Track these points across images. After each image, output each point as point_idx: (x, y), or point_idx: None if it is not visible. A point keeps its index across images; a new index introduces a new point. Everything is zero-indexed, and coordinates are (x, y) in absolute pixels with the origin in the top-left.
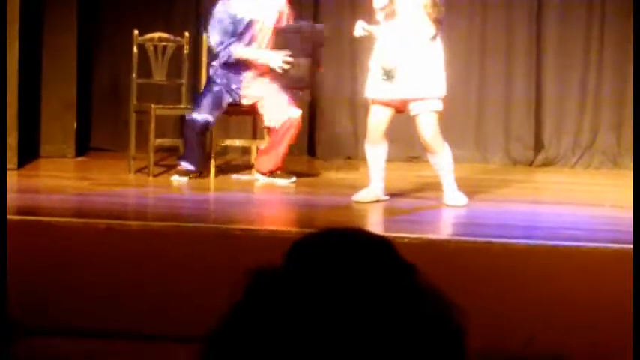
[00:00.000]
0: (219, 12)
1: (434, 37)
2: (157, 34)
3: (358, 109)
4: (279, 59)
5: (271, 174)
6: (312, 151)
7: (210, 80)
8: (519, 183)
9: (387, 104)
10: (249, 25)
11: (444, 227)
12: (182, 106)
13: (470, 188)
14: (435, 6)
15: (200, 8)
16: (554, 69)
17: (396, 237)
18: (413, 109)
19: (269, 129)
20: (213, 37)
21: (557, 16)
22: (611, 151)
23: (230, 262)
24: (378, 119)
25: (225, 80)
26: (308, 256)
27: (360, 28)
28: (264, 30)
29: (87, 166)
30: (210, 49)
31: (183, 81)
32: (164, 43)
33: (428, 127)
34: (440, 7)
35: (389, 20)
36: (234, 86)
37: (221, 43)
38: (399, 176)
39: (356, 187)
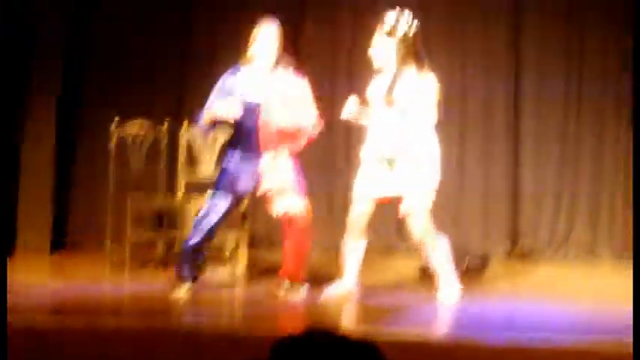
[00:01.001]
0: (220, 81)
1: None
2: (135, 123)
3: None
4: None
5: (286, 283)
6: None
7: (223, 170)
8: (497, 274)
9: (372, 199)
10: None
11: (424, 325)
12: (159, 196)
13: None
14: (436, 94)
15: (181, 97)
16: (531, 159)
17: (375, 336)
18: (404, 208)
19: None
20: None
21: (533, 111)
22: (587, 243)
23: None
24: (361, 213)
25: (240, 170)
26: (291, 357)
27: (350, 108)
28: (271, 107)
29: (63, 259)
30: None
31: (162, 170)
32: (142, 133)
33: (420, 226)
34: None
35: (387, 110)
36: (250, 175)
37: (204, 109)
38: (377, 268)
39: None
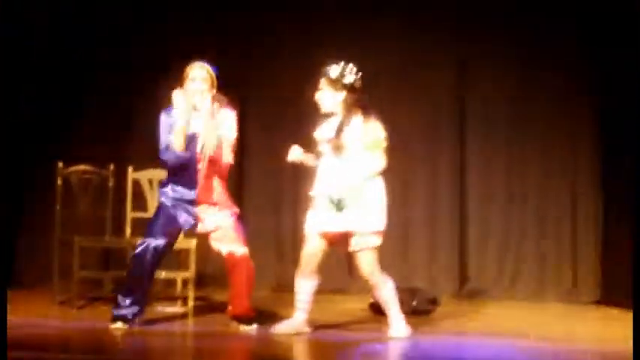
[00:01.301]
0: (162, 123)
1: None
2: (81, 167)
3: (284, 237)
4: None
5: (236, 318)
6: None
7: (161, 206)
8: (445, 314)
9: (323, 236)
10: (191, 138)
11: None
12: (106, 237)
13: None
14: (382, 141)
15: (126, 141)
16: (477, 201)
17: None
18: (353, 244)
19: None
20: (161, 146)
21: (479, 150)
22: (535, 282)
23: None
24: (313, 251)
25: (178, 205)
26: None
27: (295, 154)
28: (206, 146)
29: (11, 297)
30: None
31: (108, 213)
32: (88, 175)
33: (367, 263)
34: (385, 142)
35: (335, 154)
36: (189, 210)
37: (166, 146)
38: (328, 307)
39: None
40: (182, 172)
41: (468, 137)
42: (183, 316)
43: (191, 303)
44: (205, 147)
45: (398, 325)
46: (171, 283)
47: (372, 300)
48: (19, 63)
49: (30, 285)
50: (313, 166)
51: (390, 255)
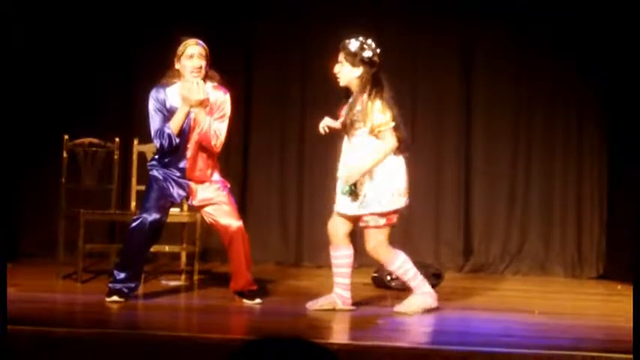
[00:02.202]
0: (152, 104)
1: (396, 152)
2: (87, 139)
3: (289, 212)
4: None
5: (239, 293)
6: None
7: (152, 179)
8: (450, 289)
9: (346, 216)
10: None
11: (372, 334)
12: (112, 211)
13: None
14: (386, 122)
15: (131, 114)
16: (482, 177)
17: (327, 343)
18: (362, 222)
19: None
20: (153, 130)
21: (485, 125)
22: (539, 257)
23: None
24: (335, 224)
25: (168, 177)
26: None
27: (324, 122)
28: (197, 120)
29: (15, 272)
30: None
31: (113, 186)
32: (94, 149)
33: (373, 242)
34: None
35: (347, 134)
36: (180, 183)
37: (159, 130)
38: (326, 282)
39: (286, 294)
40: (172, 150)
41: (473, 113)
42: (188, 289)
43: (195, 277)
44: (197, 126)
45: (412, 300)
46: (175, 256)
47: (374, 274)
48: (24, 35)
49: (35, 259)
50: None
51: (394, 230)
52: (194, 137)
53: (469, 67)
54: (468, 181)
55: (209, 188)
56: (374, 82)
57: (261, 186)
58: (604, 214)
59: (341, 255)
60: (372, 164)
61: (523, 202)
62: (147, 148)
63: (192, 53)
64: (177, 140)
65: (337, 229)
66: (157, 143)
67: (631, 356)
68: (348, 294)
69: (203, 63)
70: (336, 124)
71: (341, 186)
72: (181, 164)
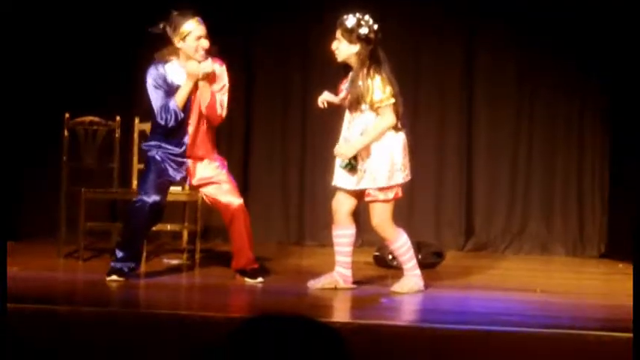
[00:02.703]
0: (152, 81)
1: (395, 128)
2: (87, 118)
3: (290, 190)
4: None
5: (240, 272)
6: None
7: (150, 160)
8: (451, 268)
9: (348, 192)
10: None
11: (372, 312)
12: (113, 189)
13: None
14: (386, 98)
15: (132, 92)
16: (484, 156)
17: (329, 322)
18: (366, 197)
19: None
20: (156, 106)
21: (487, 104)
22: (541, 237)
23: (159, 348)
24: (338, 202)
25: (167, 158)
26: (249, 340)
27: (323, 96)
28: (201, 94)
29: (16, 250)
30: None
31: (115, 165)
32: (95, 127)
33: (377, 216)
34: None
35: (348, 110)
36: (179, 162)
37: (163, 106)
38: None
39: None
40: (172, 128)
41: (476, 92)
42: (189, 268)
43: (197, 255)
44: (199, 102)
45: (406, 280)
46: (176, 235)
47: (376, 253)
48: (25, 14)
49: (36, 237)
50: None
51: (396, 209)
52: (196, 112)
53: (472, 50)
54: (469, 160)
55: (208, 167)
56: (372, 59)
57: (263, 165)
58: (605, 193)
59: (343, 234)
60: (369, 141)
61: (524, 181)
62: (148, 126)
63: (199, 35)
64: (182, 115)
65: (340, 207)
66: (161, 119)
67: (631, 335)
68: (349, 272)
69: (208, 42)
70: (335, 99)
71: (339, 160)
72: (184, 139)
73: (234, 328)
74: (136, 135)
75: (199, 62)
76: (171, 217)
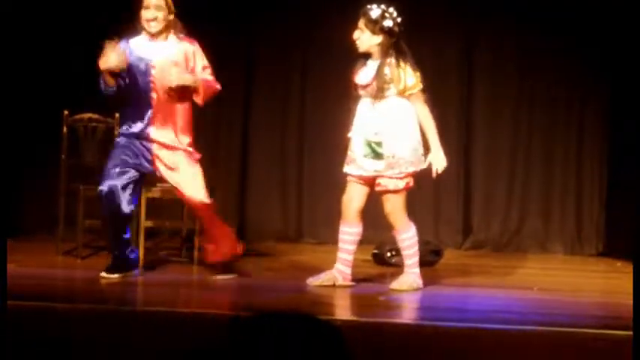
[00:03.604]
0: None
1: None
2: (86, 115)
3: (289, 188)
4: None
5: (212, 266)
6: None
7: (115, 144)
8: (449, 266)
9: (362, 181)
10: (140, 65)
11: (372, 310)
12: None
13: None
14: (414, 85)
15: None
16: (483, 154)
17: (330, 319)
18: (381, 185)
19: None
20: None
21: (486, 102)
22: (538, 235)
23: (158, 346)
24: (350, 195)
25: (132, 141)
26: (249, 337)
27: None
28: (164, 73)
29: (14, 247)
30: None
31: None
32: (94, 124)
33: (391, 205)
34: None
35: (372, 98)
36: (145, 153)
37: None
38: (326, 258)
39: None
40: (134, 104)
41: (474, 91)
42: (187, 265)
43: (195, 253)
44: (160, 77)
45: (405, 278)
46: (175, 232)
47: (375, 251)
48: (24, 13)
49: (35, 235)
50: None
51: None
52: (158, 89)
53: (471, 47)
54: (468, 159)
55: (179, 160)
56: (397, 50)
57: (261, 162)
58: (604, 191)
59: (348, 231)
60: (434, 132)
61: (523, 179)
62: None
63: (147, 4)
64: (108, 90)
65: (350, 203)
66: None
67: (630, 333)
68: (348, 270)
69: (159, 14)
70: None
71: (363, 149)
72: (147, 127)
73: (234, 325)
74: None
75: (150, 36)
76: (169, 214)
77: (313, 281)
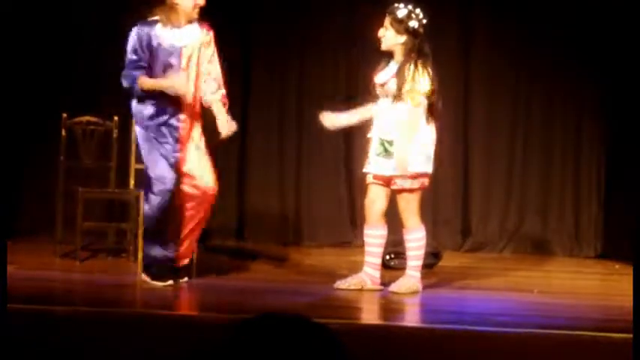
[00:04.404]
0: (133, 43)
1: (428, 120)
2: (85, 118)
3: (288, 191)
4: (183, 84)
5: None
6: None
7: (140, 136)
8: (448, 268)
9: (380, 182)
10: (172, 53)
11: (370, 313)
12: (110, 189)
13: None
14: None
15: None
16: (481, 156)
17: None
18: (395, 184)
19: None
20: (127, 64)
21: (484, 103)
22: (537, 237)
23: (156, 349)
24: (372, 197)
25: (160, 128)
26: (248, 340)
27: (330, 121)
28: (192, 60)
29: (13, 249)
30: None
31: (112, 164)
32: (92, 127)
33: (404, 203)
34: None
35: (389, 98)
36: (170, 146)
37: (128, 75)
38: (329, 260)
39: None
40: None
41: (473, 91)
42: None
43: (195, 255)
44: (193, 68)
45: (405, 280)
46: None
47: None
48: (23, 13)
49: (33, 237)
50: (357, 122)
51: (391, 208)
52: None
53: (468, 43)
54: (466, 160)
55: (198, 153)
56: (420, 52)
57: (260, 165)
58: (602, 193)
59: (373, 234)
60: (410, 137)
61: (521, 181)
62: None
63: None
64: (138, 93)
65: (373, 205)
66: (122, 81)
67: (629, 335)
68: (377, 274)
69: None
70: (343, 118)
71: (376, 147)
72: (178, 116)
73: (233, 328)
74: (133, 135)
75: (193, 20)
76: None
77: (341, 284)
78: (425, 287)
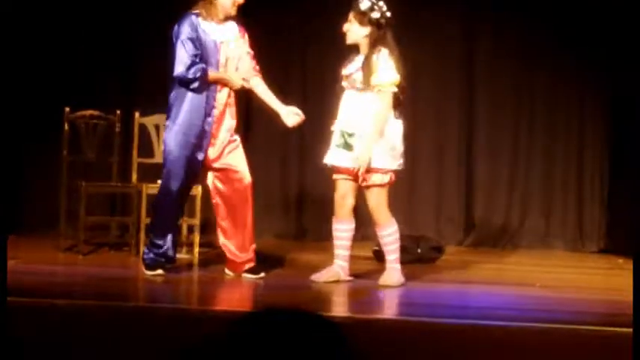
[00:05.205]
0: (186, 31)
1: (395, 114)
2: (88, 112)
3: (290, 187)
4: (238, 80)
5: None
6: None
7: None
8: (450, 263)
9: (346, 175)
10: (213, 48)
11: (373, 306)
12: (113, 183)
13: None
14: (391, 83)
15: (132, 85)
16: (484, 151)
17: (329, 316)
18: (363, 180)
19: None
20: (182, 61)
21: (487, 99)
22: (540, 232)
23: (164, 342)
24: (339, 192)
25: (190, 137)
26: (250, 334)
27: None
28: (231, 53)
29: (16, 244)
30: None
31: (115, 159)
32: (95, 121)
33: (373, 200)
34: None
35: (354, 90)
36: (202, 143)
37: (192, 63)
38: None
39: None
40: (198, 91)
41: (476, 87)
42: (188, 262)
43: (196, 249)
44: (231, 64)
45: (390, 273)
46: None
47: (375, 247)
48: (25, 9)
49: (36, 231)
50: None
51: (395, 203)
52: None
53: (473, 42)
54: (469, 155)
55: (233, 147)
56: (383, 43)
57: (262, 159)
58: (605, 188)
59: (343, 228)
60: (376, 132)
61: (524, 176)
62: (148, 120)
63: None
64: (204, 85)
65: (344, 201)
66: (179, 76)
67: (630, 330)
68: (347, 265)
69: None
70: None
71: (337, 138)
72: (207, 118)
73: (235, 322)
74: (135, 129)
75: (231, 16)
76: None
77: (318, 278)
78: (427, 281)
